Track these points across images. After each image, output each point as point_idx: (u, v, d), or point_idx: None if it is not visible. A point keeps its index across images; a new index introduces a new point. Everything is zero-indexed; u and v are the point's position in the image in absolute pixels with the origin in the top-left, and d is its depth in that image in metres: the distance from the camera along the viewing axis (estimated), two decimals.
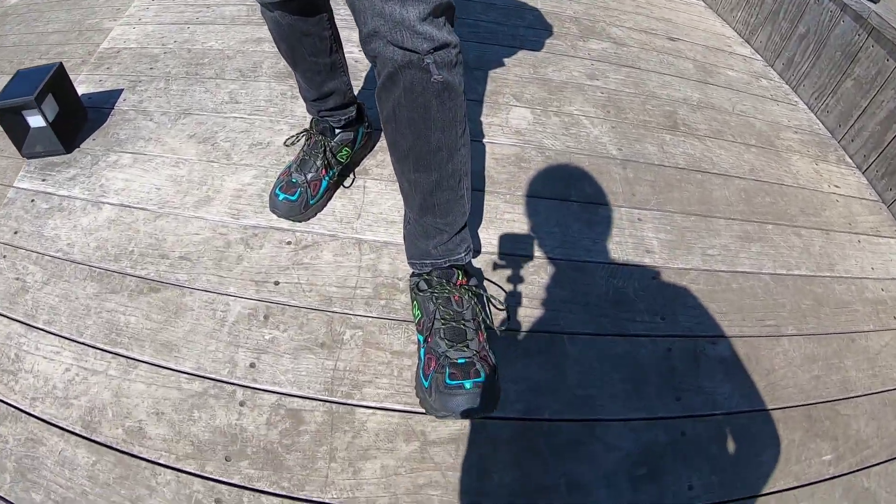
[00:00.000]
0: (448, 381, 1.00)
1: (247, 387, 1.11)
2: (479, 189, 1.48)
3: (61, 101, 1.66)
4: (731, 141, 1.79)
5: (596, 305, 1.28)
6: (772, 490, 1.10)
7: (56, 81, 1.66)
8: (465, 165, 1.01)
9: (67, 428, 1.06)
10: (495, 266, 1.33)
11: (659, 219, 1.48)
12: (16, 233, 1.38)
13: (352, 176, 1.47)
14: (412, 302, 1.15)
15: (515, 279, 1.31)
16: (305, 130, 1.40)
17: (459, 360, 1.03)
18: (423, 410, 1.07)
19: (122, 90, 1.73)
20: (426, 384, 1.04)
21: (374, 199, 1.44)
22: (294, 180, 1.34)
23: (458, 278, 1.10)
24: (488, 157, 1.57)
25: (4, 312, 1.23)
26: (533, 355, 1.19)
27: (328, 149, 1.36)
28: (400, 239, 1.33)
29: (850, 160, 1.86)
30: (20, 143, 1.63)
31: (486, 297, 1.14)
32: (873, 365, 1.32)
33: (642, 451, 1.10)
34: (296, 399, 1.11)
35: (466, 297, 1.10)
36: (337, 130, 1.39)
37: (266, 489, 1.00)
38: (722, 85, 2.04)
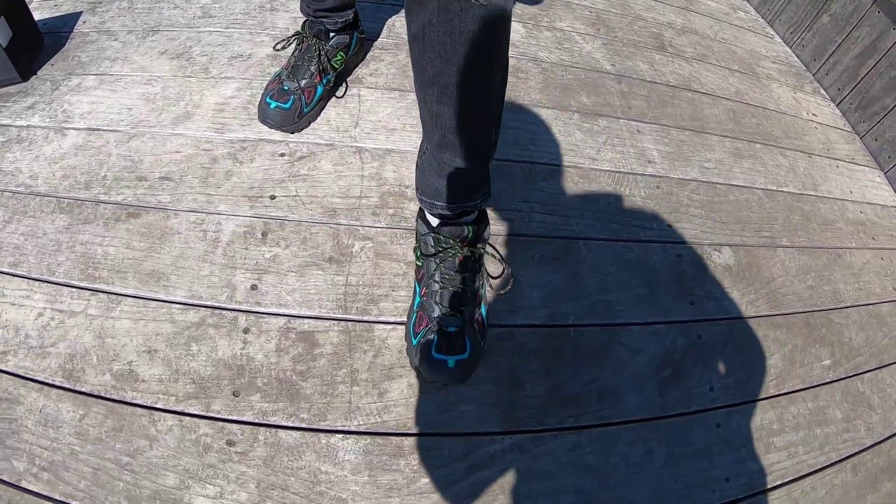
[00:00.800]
0: (434, 353, 0.93)
1: (250, 311, 0.98)
2: None
3: (14, 24, 1.40)
4: (716, 65, 1.74)
5: (606, 212, 1.23)
6: (781, 391, 1.10)
7: (7, 3, 1.44)
8: (498, 107, 0.85)
9: (47, 381, 0.90)
10: (502, 172, 1.24)
11: (656, 132, 1.43)
12: None
13: (344, 85, 1.33)
14: (415, 250, 1.03)
15: (525, 184, 1.23)
16: (298, 34, 1.25)
17: (450, 329, 0.94)
18: None
19: (81, 13, 1.49)
20: (414, 342, 0.96)
21: (371, 108, 1.31)
22: (286, 87, 1.20)
23: (467, 235, 0.98)
24: None
25: None
26: (550, 261, 1.13)
27: (323, 52, 1.22)
28: (404, 146, 1.23)
29: (824, 92, 1.86)
30: None
31: (497, 253, 1.04)
32: (858, 279, 1.34)
33: (664, 354, 1.06)
34: (307, 320, 0.99)
35: (472, 259, 0.99)
36: (332, 34, 1.24)
37: (283, 423, 0.89)
38: (703, 13, 1.99)
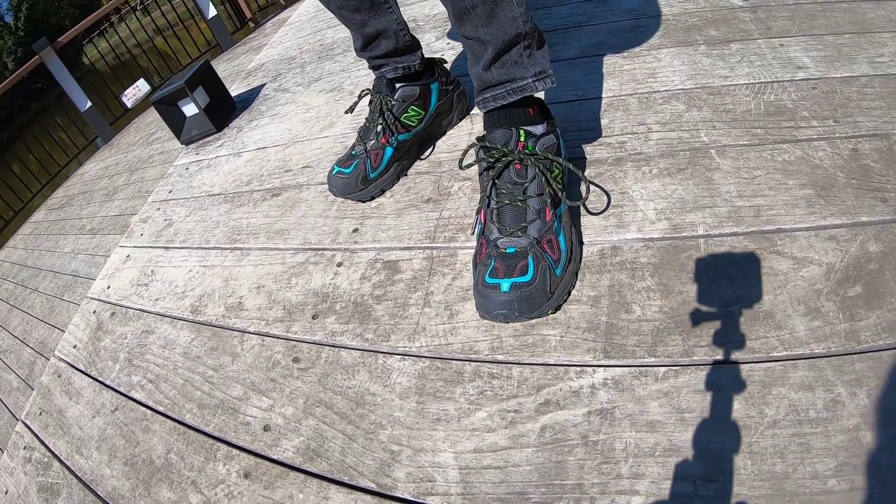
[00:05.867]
0: (487, 278, 0.67)
1: (346, 249, 0.91)
2: (595, 55, 1.11)
3: (211, 92, 1.64)
4: None
5: (744, 120, 0.86)
6: None
7: (204, 76, 1.66)
8: None
9: (177, 315, 0.98)
10: (616, 105, 0.97)
11: (805, 41, 1.00)
12: (170, 192, 1.37)
13: (431, 148, 1.04)
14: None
15: (642, 110, 0.93)
16: (366, 90, 0.97)
17: (508, 250, 0.68)
18: None
19: (265, 84, 1.71)
20: (475, 275, 0.70)
21: None
22: (353, 152, 0.96)
23: (518, 139, 0.72)
24: (603, 31, 1.18)
25: (150, 244, 1.21)
26: (673, 173, 0.81)
27: (387, 108, 0.95)
28: None
29: None
30: (178, 132, 1.62)
31: (563, 163, 0.73)
32: None
33: (850, 264, 0.64)
34: (394, 251, 0.86)
35: (531, 163, 0.71)
36: (397, 84, 0.96)
37: (347, 344, 0.77)
38: None
